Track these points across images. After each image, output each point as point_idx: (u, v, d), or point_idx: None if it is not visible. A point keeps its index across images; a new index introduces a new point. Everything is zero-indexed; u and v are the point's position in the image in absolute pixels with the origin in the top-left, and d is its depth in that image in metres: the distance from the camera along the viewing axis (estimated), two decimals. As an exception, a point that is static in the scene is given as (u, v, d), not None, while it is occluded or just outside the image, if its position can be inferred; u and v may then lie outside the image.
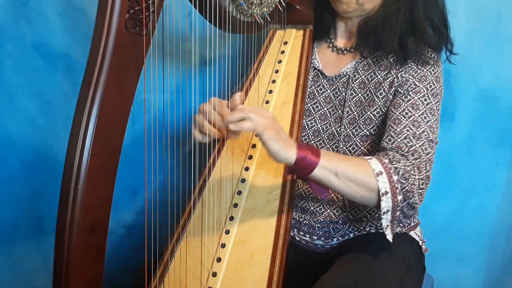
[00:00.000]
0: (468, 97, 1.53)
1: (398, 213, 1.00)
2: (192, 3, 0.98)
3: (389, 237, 1.02)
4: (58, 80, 1.58)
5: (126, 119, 0.74)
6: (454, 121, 1.55)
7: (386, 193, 0.97)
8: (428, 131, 1.05)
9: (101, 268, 0.76)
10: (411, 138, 1.04)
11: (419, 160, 1.01)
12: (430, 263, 1.25)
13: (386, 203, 0.97)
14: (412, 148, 1.03)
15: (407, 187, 0.98)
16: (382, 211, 0.98)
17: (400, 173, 0.98)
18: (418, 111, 1.06)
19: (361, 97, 1.15)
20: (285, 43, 1.27)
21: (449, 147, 1.54)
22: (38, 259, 1.71)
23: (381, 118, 1.13)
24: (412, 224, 1.25)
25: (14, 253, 1.70)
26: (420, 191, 1.01)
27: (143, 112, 0.98)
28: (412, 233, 1.23)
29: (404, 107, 1.08)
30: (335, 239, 1.19)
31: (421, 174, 1.01)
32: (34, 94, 1.59)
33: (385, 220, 1.00)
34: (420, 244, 1.23)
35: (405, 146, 1.03)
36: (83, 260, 0.73)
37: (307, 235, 1.20)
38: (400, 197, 0.98)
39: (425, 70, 1.10)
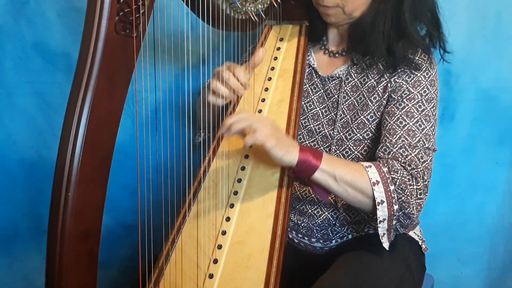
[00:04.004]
0: (468, 97, 1.53)
1: (394, 221, 1.02)
2: (184, 2, 0.96)
3: (386, 245, 1.04)
4: (58, 80, 1.58)
5: (117, 124, 0.73)
6: (454, 121, 1.55)
7: (382, 202, 0.99)
8: (424, 139, 1.05)
9: (94, 275, 0.75)
10: (407, 147, 1.04)
11: (416, 170, 1.02)
12: (430, 263, 1.25)
13: (382, 212, 1.00)
14: (408, 157, 1.03)
15: (403, 198, 0.99)
16: (379, 220, 1.00)
17: (397, 183, 0.99)
18: (413, 119, 1.06)
19: (354, 100, 1.15)
20: (281, 39, 1.25)
21: (449, 147, 1.54)
22: (38, 259, 1.71)
23: (374, 122, 1.12)
24: (411, 224, 1.25)
25: (14, 253, 1.70)
26: (418, 201, 1.02)
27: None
28: (411, 233, 1.23)
29: (399, 115, 1.07)
30: (333, 241, 1.19)
31: (418, 184, 1.01)
32: (34, 94, 1.59)
33: (382, 229, 1.02)
34: (420, 243, 1.23)
35: (401, 156, 1.03)
36: (75, 268, 0.72)
37: (306, 238, 1.20)
38: (396, 207, 1.00)
39: (418, 75, 1.08)
